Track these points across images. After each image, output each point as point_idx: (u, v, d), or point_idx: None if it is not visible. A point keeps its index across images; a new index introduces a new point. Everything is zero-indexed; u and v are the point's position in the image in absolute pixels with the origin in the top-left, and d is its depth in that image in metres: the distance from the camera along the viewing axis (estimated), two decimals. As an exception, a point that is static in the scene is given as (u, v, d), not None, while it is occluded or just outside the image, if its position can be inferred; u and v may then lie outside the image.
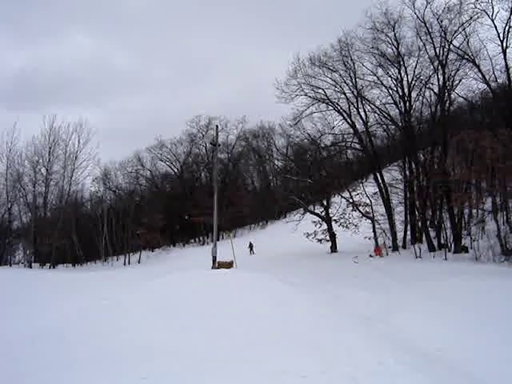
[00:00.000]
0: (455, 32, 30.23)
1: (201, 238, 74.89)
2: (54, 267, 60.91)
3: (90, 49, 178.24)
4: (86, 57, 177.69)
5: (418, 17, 31.76)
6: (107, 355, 8.85)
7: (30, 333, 11.40)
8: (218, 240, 36.10)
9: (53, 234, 60.19)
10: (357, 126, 37.13)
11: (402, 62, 33.87)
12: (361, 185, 39.46)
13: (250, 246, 46.99)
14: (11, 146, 63.79)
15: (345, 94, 36.58)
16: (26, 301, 20.93)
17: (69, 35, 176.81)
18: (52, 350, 9.61)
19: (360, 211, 36.88)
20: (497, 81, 30.42)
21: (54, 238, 59.70)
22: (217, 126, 38.76)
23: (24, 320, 14.62)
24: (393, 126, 37.30)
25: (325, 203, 39.88)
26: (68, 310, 14.85)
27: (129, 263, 63.95)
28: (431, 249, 30.37)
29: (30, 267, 58.79)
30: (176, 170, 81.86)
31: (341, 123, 38.07)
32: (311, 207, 42.50)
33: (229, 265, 29.80)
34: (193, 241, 77.54)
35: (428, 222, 32.90)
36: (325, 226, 38.92)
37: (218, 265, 29.80)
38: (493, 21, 29.00)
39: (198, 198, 67.42)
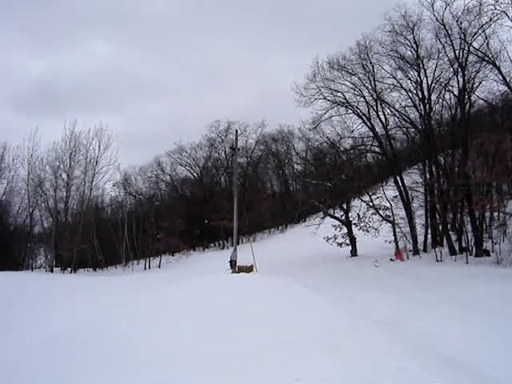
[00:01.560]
0: (475, 34, 30.02)
1: (221, 242, 74.94)
2: (74, 272, 61.41)
3: (108, 55, 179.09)
4: (105, 63, 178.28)
5: (437, 19, 31.61)
6: (127, 360, 8.89)
7: (48, 338, 11.46)
8: (238, 244, 36.10)
9: (74, 238, 60.70)
10: (376, 129, 37.04)
11: (421, 65, 33.72)
12: (381, 188, 39.26)
13: (231, 263, 43.03)
14: (32, 152, 64.57)
15: (364, 97, 36.53)
16: (47, 305, 21.07)
17: (87, 42, 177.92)
18: (70, 354, 9.67)
19: (380, 215, 36.69)
20: (517, 82, 30.17)
21: (75, 242, 60.16)
22: (236, 130, 38.98)
23: (43, 325, 14.69)
24: (413, 129, 37.12)
25: (344, 207, 39.72)
26: (87, 315, 14.93)
27: (149, 267, 64.22)
28: (452, 252, 30.16)
29: (52, 272, 59.39)
30: (196, 175, 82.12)
31: (360, 126, 37.98)
32: (331, 211, 42.37)
33: (249, 269, 29.89)
34: (213, 245, 77.63)
35: (449, 226, 32.69)
36: (345, 230, 38.77)
37: (238, 269, 29.89)
38: (513, 22, 28.78)
39: (218, 202, 67.56)
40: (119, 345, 10.10)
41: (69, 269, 61.58)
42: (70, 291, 28.73)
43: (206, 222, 67.71)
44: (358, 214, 38.20)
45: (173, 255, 70.52)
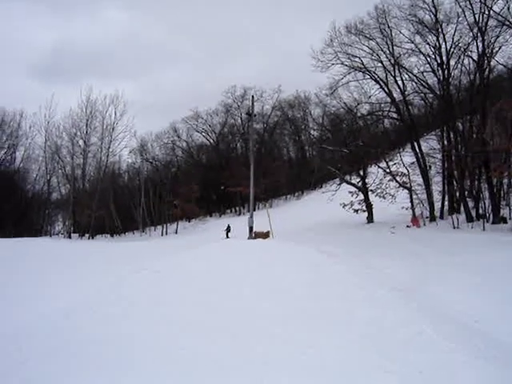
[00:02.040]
0: (495, -3, 29.50)
1: (237, 209, 75.32)
2: (92, 238, 62.18)
3: (123, 23, 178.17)
4: (120, 31, 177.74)
5: (457, -19, 31.07)
6: (145, 329, 9.04)
7: (65, 306, 11.63)
8: (254, 210, 36.22)
9: (91, 205, 61.36)
10: (394, 94, 36.72)
11: (440, 29, 33.21)
12: (398, 154, 39.05)
13: (228, 230, 43.81)
14: (49, 119, 65.11)
15: (382, 62, 36.12)
16: (64, 272, 21.34)
17: (102, 9, 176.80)
18: (86, 324, 9.83)
19: (397, 181, 36.52)
20: (538, 47, 29.69)
21: (93, 209, 60.81)
22: (252, 96, 38.90)
23: (60, 293, 14.91)
24: (431, 95, 36.75)
25: (361, 173, 39.60)
26: (104, 282, 15.10)
27: (166, 234, 64.85)
28: (469, 219, 30.07)
29: (70, 238, 60.21)
30: (212, 141, 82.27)
31: (377, 92, 37.69)
32: (347, 177, 42.27)
33: (265, 235, 30.02)
34: (229, 211, 78.10)
35: (466, 193, 32.51)
36: (361, 197, 38.70)
37: (254, 235, 30.01)
38: (535, -16, 28.21)
39: (234, 168, 67.68)
40: (138, 314, 10.26)
41: (86, 235, 62.28)
42: (87, 258, 29.09)
43: (222, 188, 67.90)
44: (375, 181, 37.96)
45: (189, 221, 71.07)
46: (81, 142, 66.12)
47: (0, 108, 65.53)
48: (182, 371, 6.74)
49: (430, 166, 35.12)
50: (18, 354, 8.03)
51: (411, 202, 34.84)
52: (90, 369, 7.11)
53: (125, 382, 6.58)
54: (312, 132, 75.44)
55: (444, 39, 33.32)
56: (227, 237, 39.52)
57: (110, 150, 67.51)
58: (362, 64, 36.36)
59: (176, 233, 63.57)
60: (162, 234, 64.57)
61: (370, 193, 38.44)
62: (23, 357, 7.86)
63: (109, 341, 8.41)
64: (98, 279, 16.79)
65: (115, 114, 67.03)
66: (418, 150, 35.12)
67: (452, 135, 33.77)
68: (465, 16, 31.57)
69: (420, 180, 35.14)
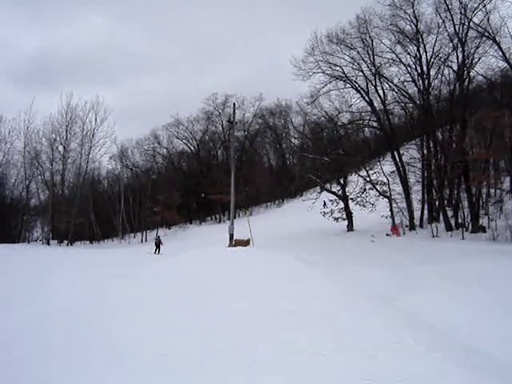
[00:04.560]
0: (475, 9, 29.83)
1: (217, 216, 75.26)
2: (71, 244, 61.75)
3: (103, 30, 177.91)
4: (100, 38, 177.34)
5: (437, -7, 31.37)
6: (125, 333, 8.95)
7: (42, 312, 11.51)
8: (235, 218, 36.16)
9: (70, 211, 60.92)
10: (374, 103, 36.90)
11: (420, 40, 33.51)
12: (378, 163, 39.21)
13: (158, 242, 39.35)
14: (29, 124, 64.59)
15: (363, 71, 36.30)
16: (45, 278, 21.17)
17: (82, 16, 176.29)
18: (70, 326, 9.73)
19: (377, 190, 36.67)
20: (517, 59, 29.99)
21: (72, 215, 60.36)
22: (234, 103, 39.02)
23: (41, 299, 14.78)
24: (411, 104, 37.03)
25: (342, 182, 39.71)
26: (85, 288, 15.00)
27: (146, 241, 64.52)
28: (448, 228, 30.29)
29: (48, 244, 59.67)
30: (192, 148, 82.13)
31: (358, 101, 37.84)
32: (328, 186, 42.37)
33: (246, 243, 29.98)
34: (209, 219, 77.97)
35: (445, 202, 32.76)
36: (341, 205, 38.81)
37: (234, 243, 29.96)
38: (514, -3, 28.55)
39: (215, 175, 67.54)
40: (113, 318, 10.17)
41: (65, 241, 61.77)
42: (66, 265, 28.85)
43: (203, 195, 67.78)
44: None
45: (169, 228, 70.80)
46: (60, 148, 65.78)
47: (-21, 113, 64.77)
48: (166, 371, 6.67)
49: (408, 176, 35.31)
50: (4, 356, 7.91)
51: (391, 210, 35.00)
52: (76, 368, 7.02)
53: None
54: (293, 140, 75.74)
55: (424, 49, 33.64)
56: (156, 252, 37.34)
57: (90, 156, 67.27)
58: (343, 73, 36.51)
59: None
60: (142, 241, 64.26)
61: (350, 201, 38.53)
62: (10, 358, 7.74)
63: (93, 341, 8.33)
64: (80, 284, 16.68)
65: (95, 120, 66.85)
66: (398, 159, 35.32)
67: (432, 145, 34.03)
68: (445, 27, 31.95)
69: (400, 189, 35.34)
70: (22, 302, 14.34)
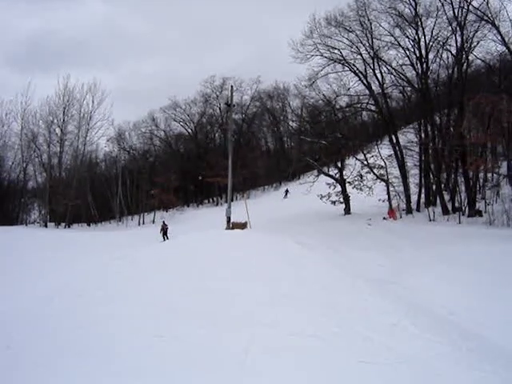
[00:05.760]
0: (475, -8, 29.67)
1: (215, 199, 75.13)
2: (69, 227, 61.67)
3: (101, 11, 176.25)
4: (99, 21, 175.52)
5: (436, -25, 31.20)
6: (126, 314, 9.04)
7: (48, 292, 11.60)
8: (232, 201, 36.16)
9: (68, 193, 60.75)
10: (373, 87, 36.67)
11: (419, 23, 33.26)
12: (376, 147, 39.15)
13: (165, 229, 39.25)
14: (26, 106, 63.98)
15: (361, 54, 36.07)
16: (45, 260, 21.27)
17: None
18: (72, 307, 9.82)
19: (374, 173, 36.63)
20: (516, 43, 29.90)
21: (69, 197, 60.22)
22: (231, 86, 38.55)
23: (42, 279, 14.88)
24: (409, 88, 36.89)
25: (339, 165, 39.68)
26: (84, 269, 15.09)
27: (143, 223, 64.47)
28: (445, 212, 30.34)
29: (46, 227, 59.56)
30: (190, 131, 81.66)
31: (356, 84, 37.57)
32: (325, 169, 42.36)
33: (243, 225, 30.00)
34: (207, 201, 77.87)
35: (442, 186, 32.80)
36: (339, 188, 38.81)
37: (232, 225, 30.01)
38: (513, -20, 28.44)
39: (212, 158, 67.28)
40: (119, 300, 10.25)
41: (63, 224, 61.79)
42: (64, 247, 28.96)
43: (200, 178, 67.67)
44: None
45: (167, 211, 70.64)
46: (58, 130, 65.25)
47: (-26, 95, 64.49)
48: (167, 356, 6.76)
49: (405, 159, 35.33)
50: (4, 338, 8.00)
51: (388, 194, 34.98)
52: (76, 351, 7.12)
53: (108, 369, 6.57)
54: (291, 123, 75.32)
55: (423, 33, 33.41)
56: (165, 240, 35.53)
57: (87, 138, 66.80)
58: (342, 56, 36.28)
59: (153, 222, 63.09)
60: (139, 224, 64.17)
61: (347, 185, 38.54)
62: (8, 341, 7.83)
63: (93, 323, 8.43)
64: (79, 266, 16.79)
65: (93, 102, 66.29)
66: (395, 143, 35.23)
67: (429, 128, 33.95)
68: (444, 10, 31.71)
69: (397, 172, 35.30)
70: (21, 284, 14.43)
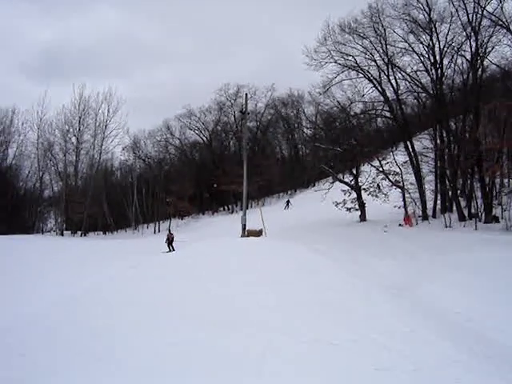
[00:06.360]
0: (489, -3, 29.56)
1: (230, 207, 75.24)
2: (85, 235, 62.07)
3: (115, 21, 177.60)
4: (112, 29, 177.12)
5: (450, -19, 31.10)
6: (140, 321, 9.05)
7: (64, 299, 11.66)
8: (247, 208, 36.18)
9: (84, 202, 61.16)
10: (387, 93, 36.61)
11: (433, 29, 33.17)
12: (391, 153, 39.02)
13: (171, 239, 35.62)
14: (42, 116, 64.99)
15: (375, 61, 36.03)
16: (58, 269, 21.37)
17: (95, 9, 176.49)
18: (87, 314, 9.85)
19: (390, 180, 36.49)
20: (531, 48, 29.74)
21: (85, 206, 60.65)
22: (246, 94, 38.89)
23: (56, 288, 14.93)
24: (424, 94, 36.72)
25: (354, 172, 39.57)
26: (100, 278, 15.13)
27: (159, 231, 64.68)
28: (461, 218, 30.14)
29: (62, 235, 59.99)
30: (205, 139, 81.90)
31: (371, 91, 37.52)
32: (340, 176, 42.26)
33: (258, 233, 30.03)
34: (222, 209, 77.96)
35: (458, 192, 32.58)
36: (354, 195, 38.70)
37: (247, 233, 30.03)
38: (528, -15, 28.28)
39: (227, 166, 67.46)
40: (135, 306, 10.27)
41: (79, 232, 62.15)
42: (81, 255, 29.11)
43: (215, 186, 67.80)
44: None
45: (182, 219, 70.88)
46: (73, 139, 65.94)
47: (-8, 105, 65.32)
48: (181, 363, 6.75)
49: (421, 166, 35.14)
50: (18, 346, 8.03)
51: (404, 200, 34.83)
52: (89, 359, 7.12)
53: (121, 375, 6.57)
54: (305, 130, 75.25)
55: (437, 38, 33.30)
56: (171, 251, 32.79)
57: (103, 147, 67.40)
58: (356, 63, 36.27)
59: (168, 230, 63.37)
60: (155, 232, 64.44)
61: (362, 191, 38.41)
62: (23, 349, 7.85)
63: (107, 330, 8.45)
64: (97, 273, 16.83)
65: (108, 111, 66.93)
66: (410, 149, 35.10)
67: (445, 134, 33.76)
68: (458, 15, 31.60)
69: (413, 179, 35.14)
70: (33, 292, 14.49)
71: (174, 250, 32.02)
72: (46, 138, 65.12)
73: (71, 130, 65.65)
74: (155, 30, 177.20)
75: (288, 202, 61.19)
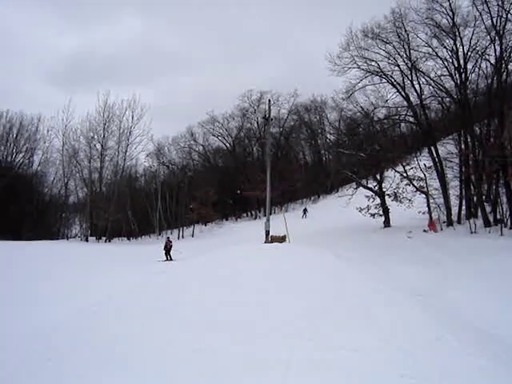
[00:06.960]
0: (513, 0, 29.32)
1: (253, 213, 75.29)
2: (109, 241, 62.52)
3: (140, 29, 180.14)
4: (137, 37, 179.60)
5: (474, -16, 30.90)
6: (164, 327, 9.15)
7: (90, 305, 11.80)
8: (271, 214, 36.24)
9: (108, 208, 61.65)
10: (411, 98, 36.41)
11: (457, 33, 32.96)
12: (415, 159, 38.78)
13: (169, 247, 34.36)
14: (67, 123, 65.76)
15: (398, 66, 35.89)
16: (83, 275, 21.61)
17: (120, 17, 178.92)
18: (112, 321, 9.97)
19: (414, 185, 36.28)
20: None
21: (110, 212, 61.13)
22: (269, 100, 38.86)
23: (83, 292, 15.12)
24: (448, 99, 36.44)
25: (378, 177, 39.42)
26: (126, 282, 15.29)
27: (182, 237, 64.93)
28: (487, 224, 29.84)
29: (87, 241, 60.55)
30: (228, 145, 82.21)
31: (394, 96, 37.34)
32: (364, 181, 42.13)
33: (282, 239, 30.03)
34: (245, 215, 78.07)
35: (483, 197, 32.28)
36: (378, 201, 38.55)
37: (271, 239, 30.05)
38: (554, -12, 28.03)
39: (250, 172, 67.60)
40: (161, 313, 10.38)
41: (103, 238, 62.64)
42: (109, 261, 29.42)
43: (238, 192, 67.96)
44: (392, 186, 37.72)
45: (205, 225, 71.06)
46: (98, 146, 66.60)
47: (18, 112, 66.52)
48: (206, 370, 6.82)
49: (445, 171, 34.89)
50: (44, 352, 8.17)
51: (428, 206, 34.58)
52: (114, 365, 7.23)
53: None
54: (328, 136, 75.32)
55: (461, 43, 33.06)
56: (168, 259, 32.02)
57: (127, 153, 67.96)
58: (379, 68, 36.18)
59: (192, 236, 63.64)
60: (179, 238, 64.64)
61: (386, 197, 38.25)
62: (50, 354, 7.99)
63: (131, 336, 8.57)
64: (122, 278, 17.00)
65: (132, 117, 67.50)
66: (434, 154, 34.86)
67: (469, 139, 33.47)
68: (482, 19, 31.36)
69: (437, 184, 34.89)
70: (58, 299, 14.67)
71: (171, 259, 31.33)
72: (70, 145, 65.93)
73: (96, 136, 66.40)
74: (179, 38, 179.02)
75: (305, 210, 60.85)
